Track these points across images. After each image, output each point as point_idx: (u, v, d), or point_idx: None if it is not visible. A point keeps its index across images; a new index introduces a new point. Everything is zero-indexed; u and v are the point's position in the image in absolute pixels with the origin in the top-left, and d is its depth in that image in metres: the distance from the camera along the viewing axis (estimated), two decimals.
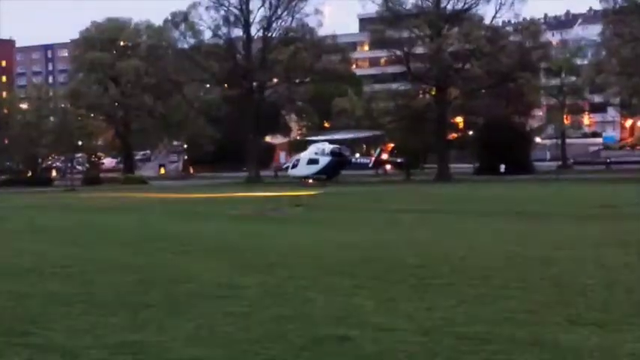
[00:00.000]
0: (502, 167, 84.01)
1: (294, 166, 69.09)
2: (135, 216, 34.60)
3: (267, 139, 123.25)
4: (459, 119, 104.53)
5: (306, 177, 71.15)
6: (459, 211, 33.19)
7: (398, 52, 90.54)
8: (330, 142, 67.94)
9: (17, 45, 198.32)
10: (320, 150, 66.31)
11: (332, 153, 65.44)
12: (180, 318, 10.51)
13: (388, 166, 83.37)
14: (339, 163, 67.06)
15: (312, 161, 66.62)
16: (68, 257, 18.00)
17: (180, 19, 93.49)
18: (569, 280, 13.01)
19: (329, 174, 69.56)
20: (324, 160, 65.91)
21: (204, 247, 19.85)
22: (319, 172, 66.99)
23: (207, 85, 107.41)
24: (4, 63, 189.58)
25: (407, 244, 19.26)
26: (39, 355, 8.76)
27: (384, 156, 69.88)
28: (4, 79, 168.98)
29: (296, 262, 16.14)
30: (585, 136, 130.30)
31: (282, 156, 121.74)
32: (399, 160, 72.35)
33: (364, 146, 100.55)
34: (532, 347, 8.52)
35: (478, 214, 31.33)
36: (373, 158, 65.81)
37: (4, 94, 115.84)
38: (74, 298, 12.24)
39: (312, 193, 55.83)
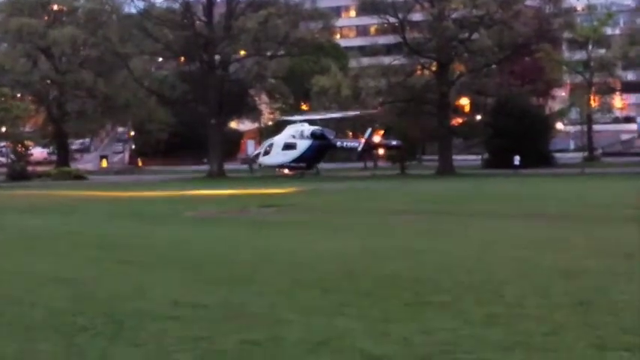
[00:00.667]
0: (516, 159, 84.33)
1: (267, 152, 67.91)
2: (70, 218, 34.46)
3: (233, 124, 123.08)
4: (465, 101, 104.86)
5: (282, 165, 70.34)
6: (463, 213, 33.25)
7: (391, 19, 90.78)
8: (310, 123, 67.20)
9: None
10: (298, 132, 65.43)
11: (313, 135, 64.48)
12: (125, 344, 10.46)
13: (381, 151, 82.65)
14: (321, 147, 66.14)
15: (289, 146, 65.51)
16: None
17: None
18: (597, 296, 13.05)
19: (309, 161, 68.77)
20: (303, 145, 64.86)
21: (154, 257, 19.79)
22: (297, 160, 66.00)
23: (160, 59, 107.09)
24: None
25: (401, 253, 19.27)
26: None
27: (376, 138, 68.66)
28: None
29: (267, 275, 16.11)
30: (617, 121, 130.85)
31: (250, 145, 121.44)
32: (394, 143, 71.61)
33: (350, 133, 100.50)
34: None
35: (487, 216, 31.39)
36: (363, 140, 64.96)
37: None
38: None
39: (287, 190, 55.81)
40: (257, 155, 72.59)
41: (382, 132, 79.04)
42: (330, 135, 67.28)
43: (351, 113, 76.36)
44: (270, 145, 67.86)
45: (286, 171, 71.53)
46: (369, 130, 67.47)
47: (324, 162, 77.35)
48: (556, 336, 10.33)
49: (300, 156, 65.34)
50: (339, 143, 68.29)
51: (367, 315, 11.89)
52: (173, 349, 10.05)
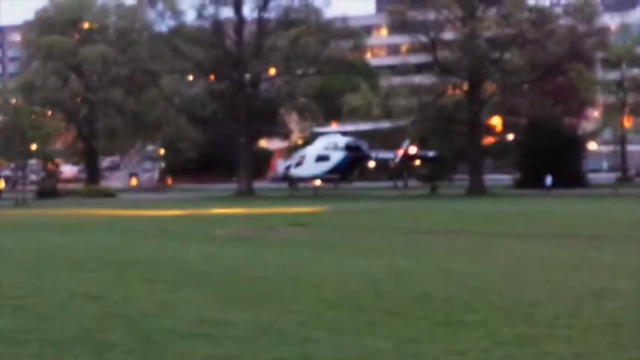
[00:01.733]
0: (548, 179, 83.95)
1: (299, 164, 66.89)
2: (98, 236, 34.60)
3: (263, 143, 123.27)
4: (497, 120, 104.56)
5: (314, 177, 69.30)
6: (494, 234, 33.14)
7: (423, 38, 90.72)
8: (343, 134, 66.39)
9: None
10: (332, 144, 64.47)
11: (347, 147, 63.54)
12: None
13: (418, 163, 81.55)
14: (355, 159, 64.97)
15: (322, 158, 64.57)
16: (20, 286, 18.02)
17: None
18: (629, 317, 13.00)
19: (343, 173, 67.51)
20: (337, 156, 63.78)
21: (182, 275, 19.83)
22: (331, 171, 64.94)
23: (190, 77, 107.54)
24: None
25: (431, 273, 19.25)
26: None
27: (413, 150, 67.59)
28: None
29: (295, 293, 16.15)
30: None
31: (281, 164, 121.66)
32: (430, 155, 70.82)
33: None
34: None
35: (518, 236, 31.27)
36: (401, 151, 64.22)
37: None
38: (26, 336, 12.23)
39: (315, 209, 55.85)
40: (288, 167, 71.65)
41: (418, 144, 78.15)
42: (364, 146, 66.19)
43: (382, 125, 75.86)
44: (303, 157, 66.91)
45: (318, 182, 70.60)
46: (406, 142, 66.66)
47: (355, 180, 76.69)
48: (587, 357, 10.30)
49: (333, 167, 64.25)
50: (373, 155, 67.46)
51: (397, 335, 11.90)
52: None
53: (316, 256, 24.33)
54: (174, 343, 11.57)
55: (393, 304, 14.72)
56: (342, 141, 63.79)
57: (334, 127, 69.28)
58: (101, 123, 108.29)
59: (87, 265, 22.75)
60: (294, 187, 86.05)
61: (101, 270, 21.39)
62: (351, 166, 66.65)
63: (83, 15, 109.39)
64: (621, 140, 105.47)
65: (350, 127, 71.11)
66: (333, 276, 19.04)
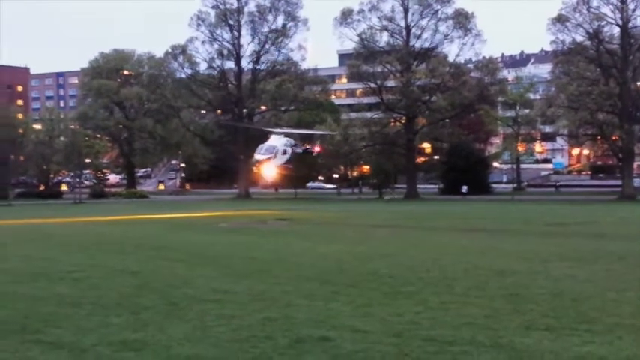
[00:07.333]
0: (464, 188, 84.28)
1: (274, 157, 66.94)
2: (135, 228, 34.43)
3: None
4: (426, 145, 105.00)
5: (279, 166, 70.03)
6: (425, 227, 33.21)
7: (372, 85, 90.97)
8: (286, 135, 66.89)
9: (32, 72, 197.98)
10: (289, 142, 65.34)
11: (295, 145, 64.94)
12: (177, 319, 10.44)
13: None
14: (295, 153, 66.49)
15: (284, 152, 65.41)
16: (76, 263, 17.88)
17: (179, 51, 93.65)
18: (523, 289, 13.05)
19: (292, 164, 68.89)
20: (289, 151, 64.75)
21: (197, 256, 19.76)
22: (287, 162, 65.94)
23: (202, 111, 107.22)
24: (20, 88, 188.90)
25: (380, 256, 19.24)
26: (49, 352, 8.67)
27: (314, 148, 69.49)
28: (20, 102, 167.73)
29: (280, 270, 16.09)
30: (537, 162, 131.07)
31: (255, 154, 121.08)
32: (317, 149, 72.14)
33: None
34: (491, 349, 8.53)
35: (443, 229, 31.36)
36: (317, 148, 65.47)
37: (20, 116, 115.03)
38: (81, 300, 12.13)
39: (295, 208, 55.74)
40: (268, 159, 71.23)
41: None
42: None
43: (315, 132, 75.97)
44: (276, 152, 67.19)
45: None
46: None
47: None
48: (494, 318, 10.33)
49: (289, 159, 65.29)
50: (300, 149, 68.78)
51: (354, 301, 11.88)
52: (213, 324, 10.04)
53: (296, 243, 24.30)
54: (192, 306, 11.50)
55: (352, 278, 14.71)
56: (292, 141, 64.53)
57: (278, 130, 69.16)
58: (137, 144, 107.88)
59: (126, 248, 22.64)
60: (276, 190, 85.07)
61: (137, 252, 21.29)
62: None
63: (124, 65, 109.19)
64: (516, 160, 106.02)
65: (294, 130, 71.22)
66: (308, 257, 19.02)
